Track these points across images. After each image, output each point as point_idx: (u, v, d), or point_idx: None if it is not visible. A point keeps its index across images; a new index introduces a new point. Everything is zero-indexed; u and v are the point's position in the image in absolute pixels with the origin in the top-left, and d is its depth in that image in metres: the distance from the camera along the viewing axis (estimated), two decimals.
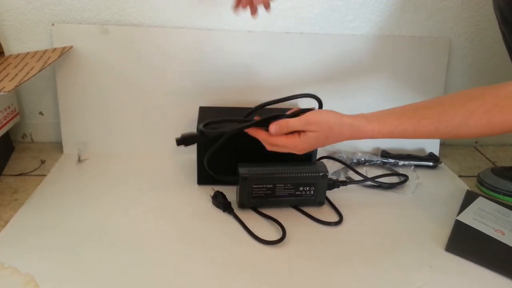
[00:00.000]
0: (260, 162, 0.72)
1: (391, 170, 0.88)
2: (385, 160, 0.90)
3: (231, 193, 0.74)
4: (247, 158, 0.73)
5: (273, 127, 0.64)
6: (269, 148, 0.67)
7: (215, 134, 0.68)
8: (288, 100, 0.71)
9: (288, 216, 0.71)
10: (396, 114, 0.60)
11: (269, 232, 0.67)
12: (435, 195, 0.81)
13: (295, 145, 0.64)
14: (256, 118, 0.69)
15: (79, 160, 0.85)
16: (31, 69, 0.76)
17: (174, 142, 0.68)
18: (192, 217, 0.70)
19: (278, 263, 0.61)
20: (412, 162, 0.89)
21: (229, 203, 0.72)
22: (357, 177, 0.82)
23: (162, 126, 0.91)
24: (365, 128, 0.61)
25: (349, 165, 0.85)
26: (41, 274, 0.56)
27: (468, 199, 0.79)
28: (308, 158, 0.77)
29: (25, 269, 0.57)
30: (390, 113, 0.61)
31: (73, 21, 0.87)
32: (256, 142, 0.68)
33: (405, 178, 0.83)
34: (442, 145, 1.01)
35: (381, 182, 0.81)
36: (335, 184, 0.76)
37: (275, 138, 0.65)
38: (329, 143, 0.63)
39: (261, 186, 0.70)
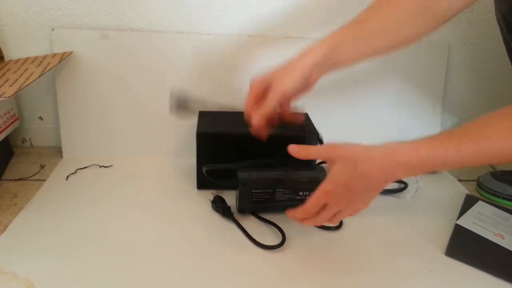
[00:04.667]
0: (259, 167, 0.72)
1: None
2: None
3: (230, 197, 0.74)
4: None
5: (293, 146, 0.58)
6: (311, 224, 0.60)
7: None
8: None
9: (288, 221, 0.70)
10: (431, 138, 0.52)
11: (269, 237, 0.67)
12: (435, 199, 0.81)
13: (326, 190, 0.55)
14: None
15: None
16: (31, 75, 0.76)
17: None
18: (191, 222, 0.70)
19: (277, 268, 0.61)
20: None
21: (229, 207, 0.72)
22: None
23: (161, 130, 0.90)
24: (400, 148, 0.52)
25: None
26: (41, 279, 0.56)
27: (468, 203, 0.79)
28: (308, 163, 0.77)
29: (25, 274, 0.57)
30: (424, 138, 0.53)
31: (72, 26, 0.87)
32: (256, 144, 0.68)
33: (405, 185, 0.83)
34: None
35: None
36: None
37: (308, 204, 0.57)
38: (359, 177, 0.54)
39: (260, 191, 0.70)
